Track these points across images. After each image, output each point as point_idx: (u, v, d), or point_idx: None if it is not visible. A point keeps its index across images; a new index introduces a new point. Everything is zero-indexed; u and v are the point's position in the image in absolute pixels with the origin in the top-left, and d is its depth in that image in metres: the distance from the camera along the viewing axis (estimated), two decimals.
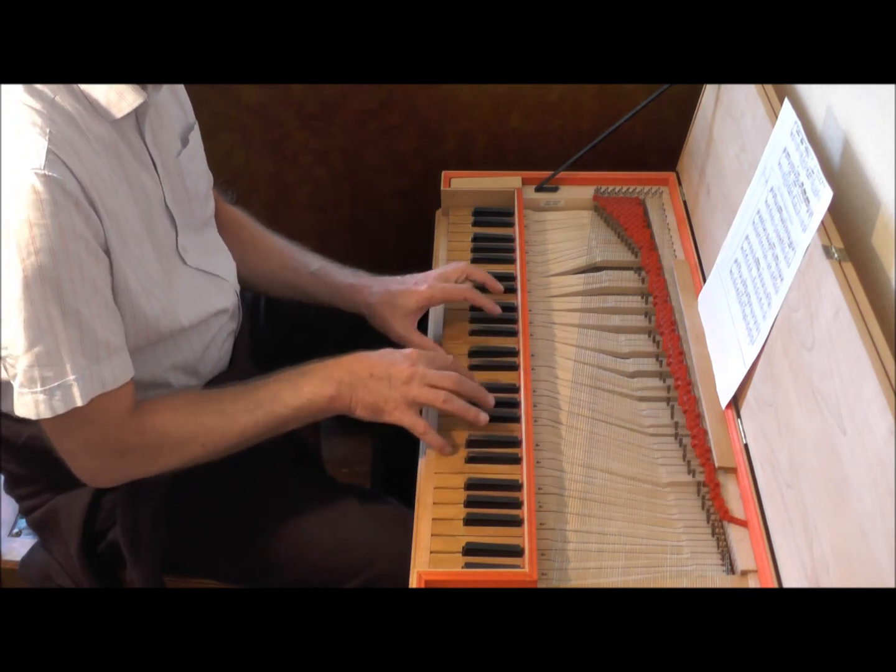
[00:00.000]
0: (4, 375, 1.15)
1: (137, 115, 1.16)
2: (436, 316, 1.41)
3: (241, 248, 1.43)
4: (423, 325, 1.41)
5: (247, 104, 1.79)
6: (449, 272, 1.40)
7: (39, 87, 1.05)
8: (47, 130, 1.03)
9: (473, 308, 1.40)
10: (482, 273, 1.41)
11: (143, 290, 1.15)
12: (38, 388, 1.07)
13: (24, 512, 1.36)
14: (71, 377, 1.07)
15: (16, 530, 1.43)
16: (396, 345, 1.33)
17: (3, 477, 1.38)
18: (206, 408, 1.20)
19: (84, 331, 1.07)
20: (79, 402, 1.08)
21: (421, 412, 1.22)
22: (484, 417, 1.22)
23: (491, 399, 1.24)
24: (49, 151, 1.02)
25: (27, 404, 1.08)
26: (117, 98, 1.10)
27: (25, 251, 1.01)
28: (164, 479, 1.25)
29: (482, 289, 1.41)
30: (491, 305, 1.38)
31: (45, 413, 1.08)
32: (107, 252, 1.09)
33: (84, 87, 1.08)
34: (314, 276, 1.42)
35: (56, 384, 1.07)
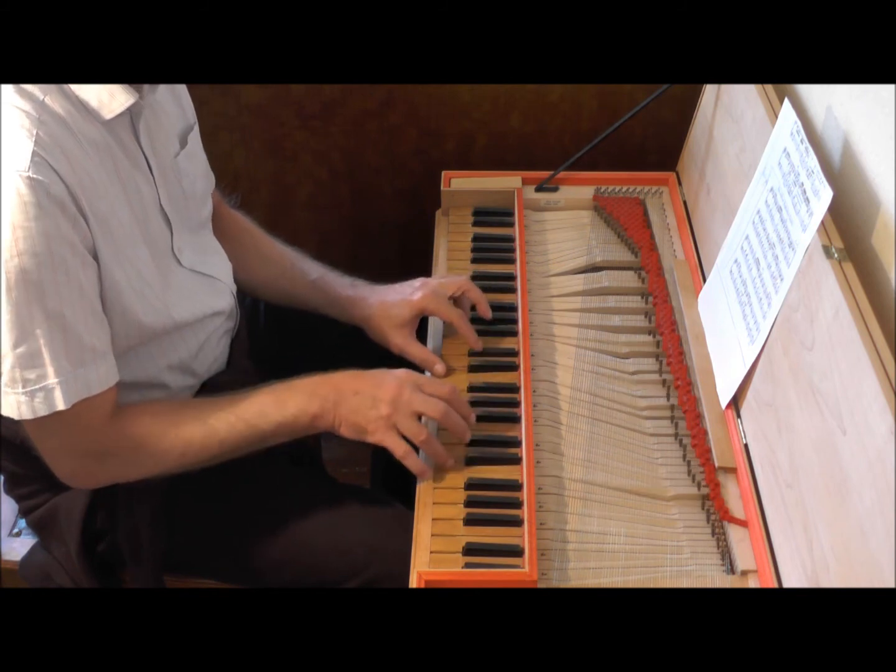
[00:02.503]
0: None
1: (132, 116, 1.15)
2: (435, 318, 1.41)
3: (243, 252, 1.43)
4: (423, 325, 1.41)
5: (247, 104, 1.79)
6: (448, 284, 1.37)
7: (29, 88, 1.05)
8: (34, 132, 1.03)
9: (474, 308, 1.40)
10: (477, 293, 1.38)
11: (135, 292, 1.15)
12: (20, 390, 1.07)
13: (23, 512, 1.36)
14: (53, 380, 1.07)
15: (16, 530, 1.43)
16: (395, 359, 1.33)
17: (2, 477, 1.38)
18: (187, 417, 1.18)
19: (68, 335, 1.06)
20: (61, 406, 1.08)
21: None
22: (449, 463, 1.19)
23: (468, 436, 1.21)
24: (34, 154, 1.02)
25: (10, 404, 1.08)
26: (109, 98, 1.09)
27: (8, 253, 1.01)
28: (163, 479, 1.25)
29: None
30: (474, 338, 1.35)
31: (26, 414, 1.08)
32: (95, 256, 1.09)
33: (75, 87, 1.08)
34: (313, 285, 1.42)
35: (38, 387, 1.07)
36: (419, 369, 1.31)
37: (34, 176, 1.01)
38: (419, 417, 1.19)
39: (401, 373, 1.21)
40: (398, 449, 1.18)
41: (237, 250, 1.41)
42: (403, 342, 1.34)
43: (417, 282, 1.38)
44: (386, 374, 1.21)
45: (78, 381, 1.08)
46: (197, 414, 1.19)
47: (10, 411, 1.09)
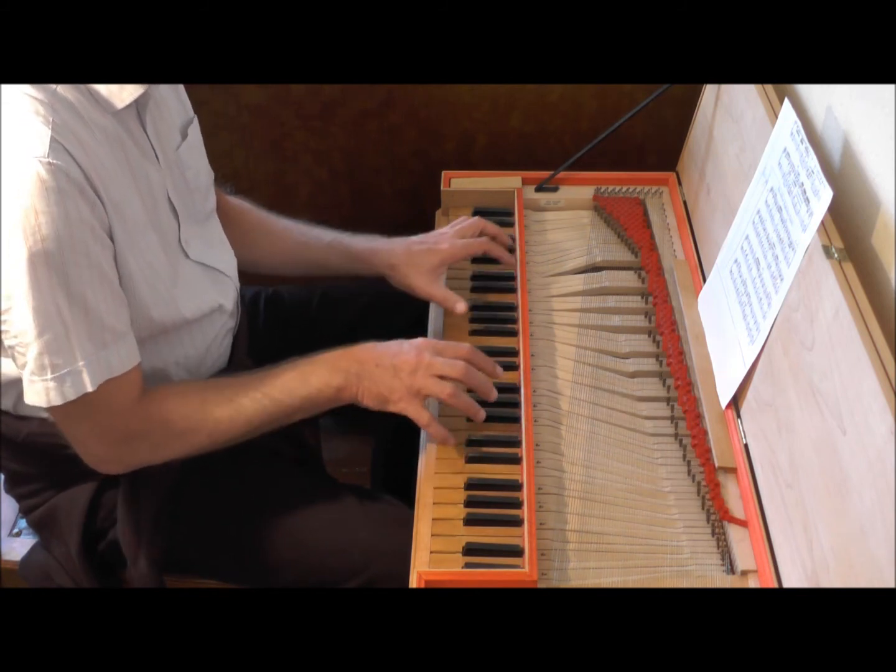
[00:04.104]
0: (5, 371, 1.15)
1: (138, 106, 1.16)
2: (436, 315, 1.42)
3: (250, 232, 1.44)
4: (423, 325, 1.42)
5: (247, 104, 1.79)
6: (465, 228, 1.43)
7: None
8: (50, 119, 1.03)
9: (473, 308, 1.40)
10: (493, 227, 1.46)
11: (145, 281, 1.16)
12: (49, 376, 1.07)
13: (24, 511, 1.36)
14: (80, 363, 1.07)
15: (16, 530, 1.43)
16: (407, 334, 1.34)
17: (3, 476, 1.38)
18: (214, 397, 1.20)
19: (91, 317, 1.07)
20: (89, 388, 1.08)
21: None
22: (482, 415, 1.22)
23: (494, 394, 1.23)
24: (52, 139, 1.02)
25: (38, 392, 1.08)
26: (118, 89, 1.10)
27: (31, 239, 1.01)
28: (164, 479, 1.25)
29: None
30: (507, 257, 1.44)
31: (55, 400, 1.08)
32: (111, 239, 1.09)
33: None
34: (330, 246, 1.44)
35: (66, 371, 1.07)
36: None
37: (54, 161, 1.01)
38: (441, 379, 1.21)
39: (418, 341, 1.23)
40: (422, 417, 1.20)
41: (242, 230, 1.42)
42: (428, 285, 1.39)
43: (435, 234, 1.44)
44: (404, 343, 1.23)
45: (101, 362, 1.09)
46: (223, 392, 1.20)
47: (39, 399, 1.09)
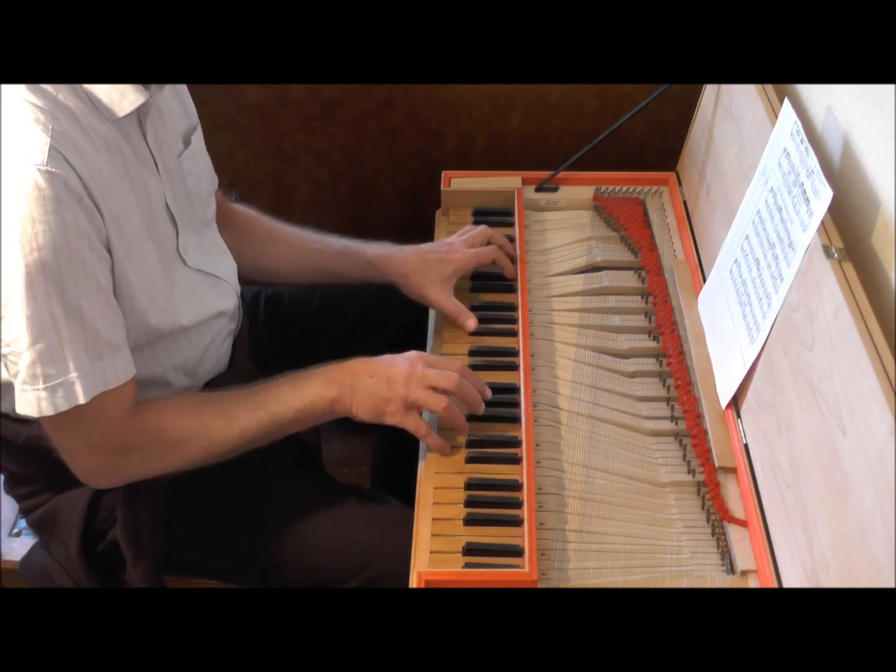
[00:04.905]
0: (4, 375, 1.15)
1: (139, 114, 1.16)
2: (436, 315, 1.42)
3: (259, 241, 1.44)
4: (423, 324, 1.42)
5: (247, 104, 1.79)
6: (473, 237, 1.44)
7: (42, 84, 1.05)
8: (50, 127, 1.03)
9: (473, 308, 1.40)
10: (501, 237, 1.46)
11: (143, 290, 1.15)
12: (41, 385, 1.07)
13: (23, 512, 1.36)
14: (73, 374, 1.07)
15: (16, 530, 1.43)
16: (409, 342, 1.34)
17: (2, 477, 1.38)
18: (208, 409, 1.19)
19: (86, 328, 1.07)
20: (81, 400, 1.08)
21: (421, 413, 1.23)
22: (467, 430, 1.23)
23: (482, 407, 1.24)
24: (52, 148, 1.02)
25: (29, 401, 1.08)
26: (119, 97, 1.10)
27: (28, 247, 1.01)
28: (164, 479, 1.25)
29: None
30: (511, 269, 1.44)
31: (47, 410, 1.08)
32: (108, 250, 1.09)
33: (87, 85, 1.08)
34: (341, 254, 1.44)
35: (58, 381, 1.07)
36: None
37: (52, 170, 1.01)
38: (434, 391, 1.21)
39: (411, 354, 1.23)
40: (419, 429, 1.20)
41: (251, 238, 1.42)
42: (440, 296, 1.39)
43: (445, 243, 1.44)
44: (397, 357, 1.23)
45: (96, 374, 1.09)
46: (217, 405, 1.20)
47: (30, 409, 1.08)
